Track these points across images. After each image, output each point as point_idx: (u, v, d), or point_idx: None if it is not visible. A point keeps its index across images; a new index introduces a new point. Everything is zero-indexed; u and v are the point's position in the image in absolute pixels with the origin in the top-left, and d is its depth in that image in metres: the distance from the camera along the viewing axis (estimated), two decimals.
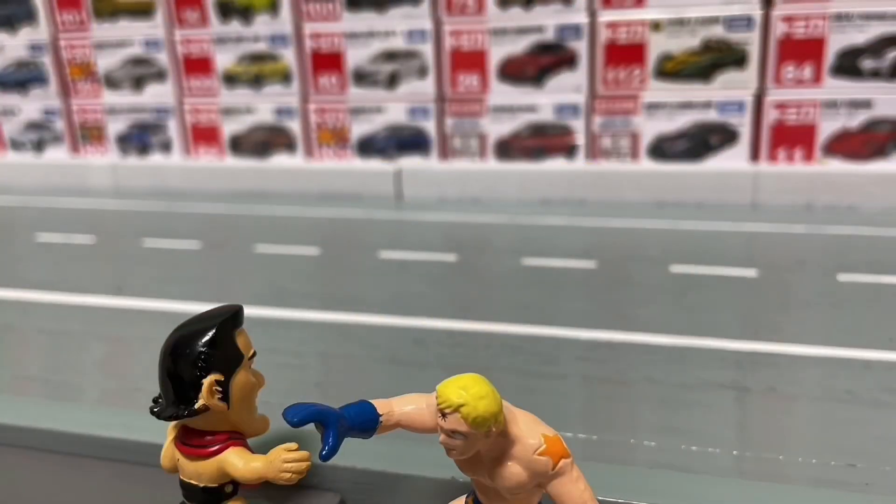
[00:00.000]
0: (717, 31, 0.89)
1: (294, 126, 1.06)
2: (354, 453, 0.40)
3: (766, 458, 0.41)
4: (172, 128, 1.12)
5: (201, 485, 0.35)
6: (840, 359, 0.52)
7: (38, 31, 1.14)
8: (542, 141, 0.98)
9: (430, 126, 1.01)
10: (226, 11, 1.05)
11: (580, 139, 0.96)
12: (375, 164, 1.04)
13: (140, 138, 1.14)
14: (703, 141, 0.92)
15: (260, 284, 0.74)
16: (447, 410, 0.29)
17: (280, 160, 1.08)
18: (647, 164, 0.95)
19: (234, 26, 1.05)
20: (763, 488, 0.37)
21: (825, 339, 0.55)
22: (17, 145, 1.21)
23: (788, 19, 0.87)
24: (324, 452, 0.31)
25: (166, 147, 1.13)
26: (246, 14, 1.04)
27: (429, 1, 0.97)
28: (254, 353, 0.35)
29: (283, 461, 0.33)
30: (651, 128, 0.94)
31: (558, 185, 0.97)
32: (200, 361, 0.33)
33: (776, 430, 0.45)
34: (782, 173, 0.90)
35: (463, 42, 0.97)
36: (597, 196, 0.95)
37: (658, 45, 0.91)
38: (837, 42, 0.86)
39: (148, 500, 0.43)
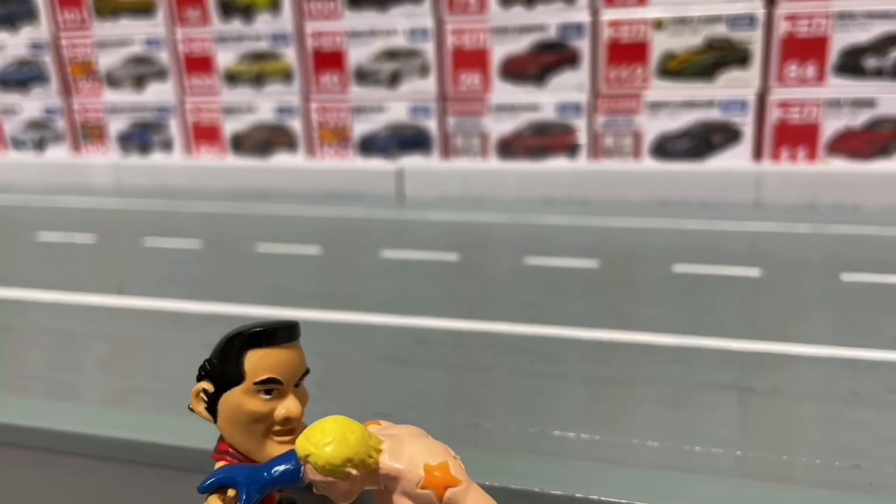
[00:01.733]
0: (720, 30, 0.89)
1: (295, 125, 1.06)
2: None
3: (770, 458, 0.41)
4: (173, 127, 1.12)
5: None
6: (844, 359, 0.52)
7: (40, 30, 1.14)
8: (545, 140, 0.97)
9: (431, 125, 1.01)
10: (227, 10, 1.05)
11: (582, 138, 0.96)
12: (377, 163, 1.04)
13: (141, 137, 1.14)
14: (705, 140, 0.92)
15: (261, 284, 0.74)
16: (302, 462, 0.30)
17: (281, 159, 1.08)
18: (649, 163, 0.95)
19: (236, 25, 1.05)
20: (766, 489, 0.37)
21: (829, 339, 0.55)
22: (18, 144, 1.21)
23: (791, 18, 0.87)
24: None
25: (167, 146, 1.13)
26: (247, 13, 1.04)
27: (430, 0, 0.97)
28: (268, 380, 0.31)
29: None
30: (654, 127, 0.94)
31: (560, 184, 0.96)
32: (204, 365, 0.32)
33: (780, 431, 0.44)
34: (785, 172, 0.90)
35: (465, 41, 0.97)
36: (599, 195, 0.95)
37: (661, 44, 0.91)
38: (841, 41, 0.86)
39: (150, 499, 0.43)
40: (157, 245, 0.86)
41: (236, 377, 0.31)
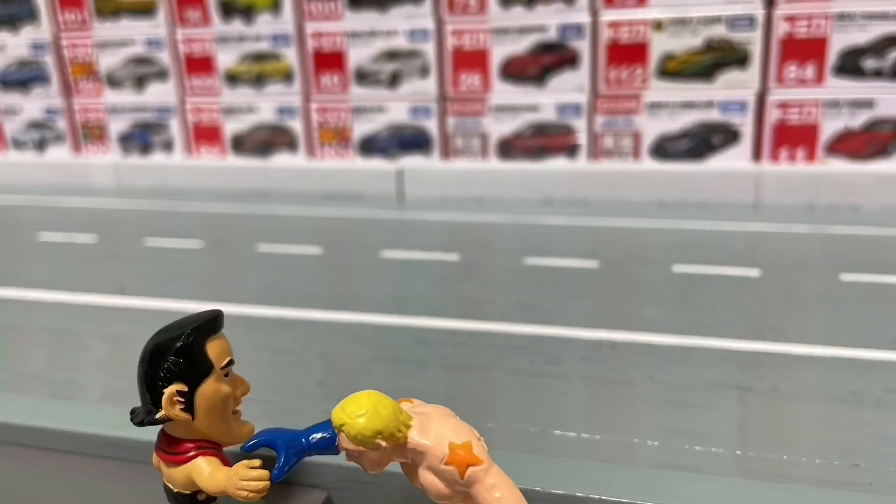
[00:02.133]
0: (720, 31, 0.89)
1: (296, 125, 1.06)
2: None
3: (770, 458, 0.41)
4: (174, 127, 1.12)
5: (175, 489, 0.35)
6: (843, 359, 0.52)
7: (40, 31, 1.14)
8: (544, 140, 0.98)
9: (431, 125, 1.01)
10: (228, 10, 1.05)
11: (582, 139, 0.96)
12: (377, 164, 1.04)
13: (142, 137, 1.14)
14: (705, 140, 0.92)
15: (262, 284, 0.74)
16: (340, 427, 0.32)
17: (282, 159, 1.08)
18: (649, 164, 0.95)
19: (236, 25, 1.05)
20: (766, 488, 0.37)
21: (828, 339, 0.55)
22: (18, 144, 1.21)
23: (791, 19, 0.87)
24: (274, 473, 0.33)
25: (168, 146, 1.13)
26: (248, 13, 1.04)
27: (431, 0, 0.97)
28: (230, 362, 0.34)
29: (241, 478, 0.33)
30: (653, 127, 0.94)
31: (560, 184, 0.97)
32: (164, 371, 0.33)
33: (779, 430, 0.45)
34: (784, 173, 0.90)
35: (465, 41, 0.97)
36: (599, 195, 0.95)
37: (660, 45, 0.91)
38: (840, 42, 0.86)
39: (150, 498, 0.43)
40: (158, 245, 0.87)
41: (206, 369, 0.33)
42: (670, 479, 0.38)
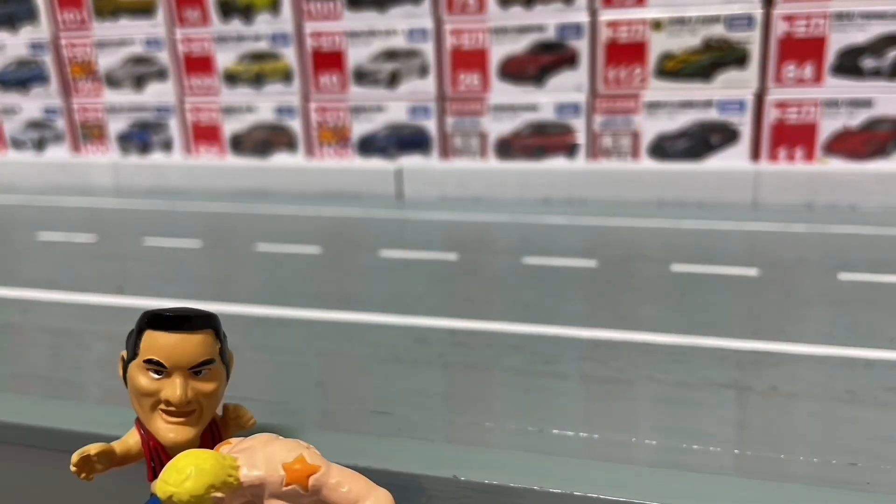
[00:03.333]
0: (718, 30, 0.89)
1: (295, 125, 1.06)
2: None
3: (767, 456, 0.41)
4: (173, 127, 1.12)
5: None
6: (841, 358, 0.52)
7: (39, 30, 1.14)
8: (543, 140, 0.98)
9: (430, 125, 1.01)
10: (227, 10, 1.05)
11: (581, 138, 0.96)
12: (376, 163, 1.04)
13: (141, 137, 1.14)
14: (703, 140, 0.93)
15: (261, 283, 0.74)
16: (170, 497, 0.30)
17: (281, 159, 1.08)
18: (647, 163, 0.95)
19: (235, 25, 1.05)
20: (764, 487, 0.37)
21: (826, 339, 0.55)
22: (18, 144, 1.21)
23: (789, 18, 0.87)
24: None
25: (167, 146, 1.13)
26: (247, 13, 1.04)
27: (429, 0, 0.97)
28: (150, 360, 0.34)
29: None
30: (652, 127, 0.94)
31: (559, 184, 0.97)
32: (128, 335, 0.35)
33: (777, 429, 0.45)
34: (783, 172, 0.90)
35: (464, 41, 0.97)
36: (597, 195, 0.95)
37: (659, 44, 0.91)
38: (838, 41, 0.86)
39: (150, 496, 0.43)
40: (157, 245, 0.87)
41: (133, 352, 0.34)
42: (669, 478, 0.38)
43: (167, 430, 0.35)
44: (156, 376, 0.34)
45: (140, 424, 0.36)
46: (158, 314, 0.34)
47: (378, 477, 0.39)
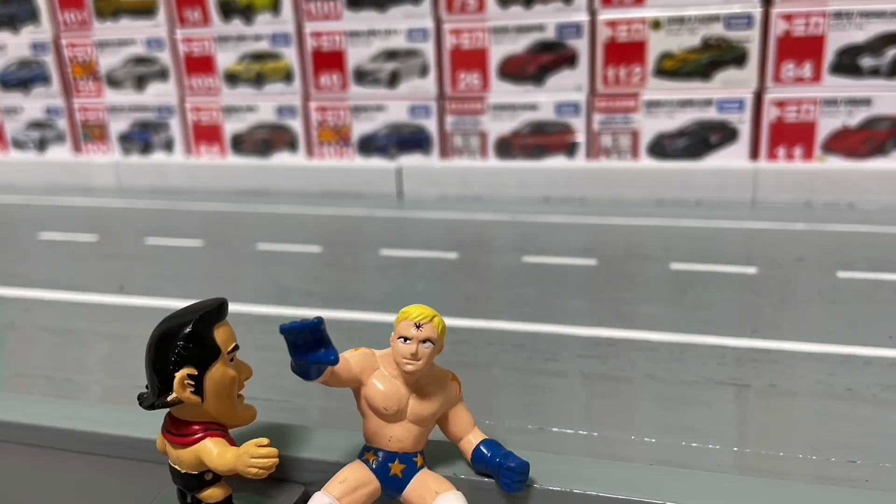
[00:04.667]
0: (717, 29, 0.89)
1: (295, 124, 1.07)
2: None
3: (766, 454, 0.41)
4: (174, 126, 1.12)
5: (182, 470, 0.36)
6: (839, 355, 0.52)
7: (41, 31, 1.14)
8: (543, 139, 0.98)
9: (430, 124, 1.01)
10: (227, 10, 1.05)
11: (580, 137, 0.97)
12: (376, 163, 1.04)
13: (142, 137, 1.14)
14: (702, 139, 0.93)
15: (262, 282, 0.74)
16: (423, 321, 0.34)
17: (282, 158, 1.09)
18: (647, 162, 0.95)
19: (236, 25, 1.05)
20: (763, 485, 0.37)
21: (825, 336, 0.55)
22: (19, 144, 1.21)
23: (788, 17, 0.87)
24: (284, 325, 0.33)
25: (168, 146, 1.13)
26: (247, 13, 1.04)
27: (429, 0, 0.97)
28: (235, 347, 0.35)
29: (251, 456, 0.34)
30: (651, 126, 0.94)
31: (559, 183, 0.97)
32: (174, 355, 0.34)
33: (776, 427, 0.45)
34: (782, 171, 0.90)
35: (463, 41, 0.97)
36: (597, 194, 0.96)
37: (658, 44, 0.91)
38: (837, 40, 0.86)
39: (151, 496, 0.43)
40: (159, 244, 0.87)
41: (213, 353, 0.34)
42: (668, 475, 0.38)
43: (249, 408, 0.37)
44: (232, 363, 0.35)
45: (214, 430, 0.35)
46: (216, 309, 0.35)
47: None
